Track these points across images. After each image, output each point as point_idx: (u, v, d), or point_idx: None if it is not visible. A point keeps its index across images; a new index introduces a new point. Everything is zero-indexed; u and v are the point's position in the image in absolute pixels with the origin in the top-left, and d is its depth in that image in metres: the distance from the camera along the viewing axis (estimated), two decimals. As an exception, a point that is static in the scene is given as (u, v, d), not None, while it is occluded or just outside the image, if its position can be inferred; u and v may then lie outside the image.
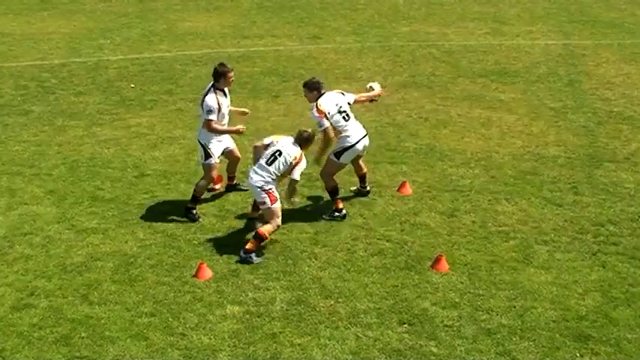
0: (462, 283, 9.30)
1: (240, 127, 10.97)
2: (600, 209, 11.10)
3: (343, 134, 10.75)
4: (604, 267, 9.64)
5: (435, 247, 10.06)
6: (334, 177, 10.95)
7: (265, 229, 9.81)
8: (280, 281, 9.32)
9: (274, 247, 10.05)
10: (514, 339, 8.29)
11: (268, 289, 9.16)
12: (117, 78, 17.23)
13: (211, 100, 10.57)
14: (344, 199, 11.27)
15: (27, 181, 12.00)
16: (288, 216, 10.69)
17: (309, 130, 10.26)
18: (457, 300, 8.96)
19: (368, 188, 11.47)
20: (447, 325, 8.51)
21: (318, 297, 9.02)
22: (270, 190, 9.84)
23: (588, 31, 21.37)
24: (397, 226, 10.62)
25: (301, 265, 9.68)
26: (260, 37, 20.76)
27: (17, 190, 11.71)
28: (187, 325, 8.51)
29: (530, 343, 8.23)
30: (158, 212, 11.01)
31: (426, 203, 11.28)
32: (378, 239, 10.29)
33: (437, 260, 9.61)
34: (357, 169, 11.35)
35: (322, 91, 10.87)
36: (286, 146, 9.98)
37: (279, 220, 9.88)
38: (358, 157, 11.16)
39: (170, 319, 8.61)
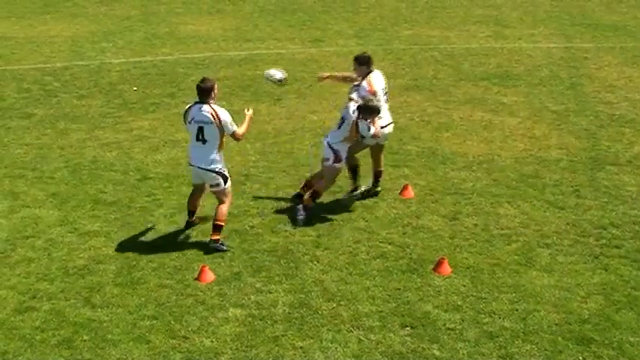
0: (465, 286, 9.30)
1: (249, 112, 10.38)
2: (602, 212, 11.09)
3: None
4: (606, 270, 9.63)
5: (437, 250, 10.06)
6: (356, 156, 11.35)
7: (320, 186, 10.85)
8: (282, 284, 9.32)
9: (276, 250, 10.05)
10: (516, 342, 8.28)
11: (270, 292, 9.16)
12: (119, 81, 17.26)
13: (224, 111, 9.81)
14: (344, 202, 11.28)
15: (29, 184, 12.02)
16: (290, 219, 10.72)
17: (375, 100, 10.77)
18: (459, 303, 8.95)
19: (379, 189, 11.49)
20: (449, 329, 8.50)
21: (320, 300, 9.02)
22: (337, 150, 10.65)
23: (590, 34, 21.38)
24: (399, 229, 10.62)
25: (303, 268, 9.68)
26: (262, 41, 20.79)
27: (19, 193, 11.72)
28: (189, 328, 8.50)
29: (533, 346, 8.22)
30: (160, 215, 11.01)
31: (428, 206, 11.28)
32: (380, 242, 10.29)
33: (439, 263, 9.60)
34: (376, 163, 11.43)
35: (371, 68, 11.10)
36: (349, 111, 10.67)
37: (333, 181, 10.94)
38: (380, 146, 11.31)
39: (172, 322, 8.61)
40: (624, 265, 9.72)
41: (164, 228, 10.66)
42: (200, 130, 9.79)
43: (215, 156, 9.88)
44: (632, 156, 13.07)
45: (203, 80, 9.92)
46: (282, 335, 8.38)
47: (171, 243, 10.27)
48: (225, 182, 10.07)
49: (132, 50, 19.83)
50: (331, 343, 8.25)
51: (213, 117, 9.71)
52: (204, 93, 9.81)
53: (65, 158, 13.02)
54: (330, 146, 10.72)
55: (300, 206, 10.81)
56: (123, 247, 10.18)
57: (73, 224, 10.76)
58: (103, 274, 9.55)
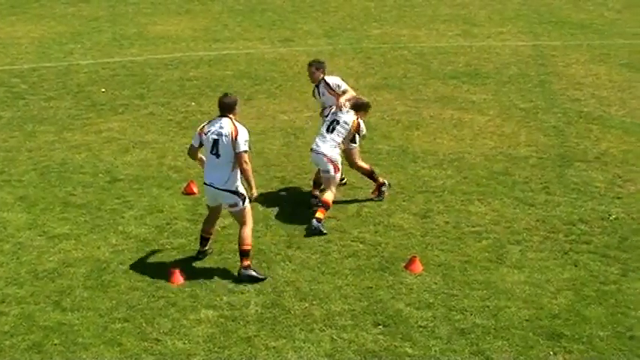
0: (436, 283, 9.34)
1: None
2: (571, 208, 11.20)
3: None
4: (576, 266, 9.73)
5: (408, 248, 10.10)
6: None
7: (327, 197, 10.66)
8: (254, 284, 9.29)
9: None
10: (488, 338, 8.34)
11: (242, 293, 9.14)
12: (88, 82, 17.11)
13: (244, 130, 9.24)
14: (315, 201, 11.30)
15: (-3, 188, 11.88)
16: (261, 219, 10.70)
17: (364, 98, 11.43)
18: (431, 300, 8.99)
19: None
20: (421, 326, 8.54)
21: (293, 300, 9.02)
22: (335, 161, 10.68)
23: (558, 32, 21.57)
24: (371, 228, 10.65)
25: (275, 268, 9.66)
26: (231, 41, 20.71)
27: (-13, 196, 11.59)
28: (161, 330, 8.46)
29: (504, 342, 8.28)
30: (131, 217, 10.94)
31: (399, 205, 11.32)
32: (352, 241, 10.30)
33: (411, 261, 9.64)
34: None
35: None
36: (342, 114, 10.93)
37: (335, 190, 10.86)
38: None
39: (144, 324, 8.56)
40: (593, 261, 9.82)
41: (134, 230, 10.59)
42: (215, 143, 9.21)
43: (230, 174, 9.26)
44: (600, 152, 13.20)
45: (225, 95, 9.44)
46: (255, 336, 8.37)
47: (141, 245, 10.20)
48: (244, 202, 9.36)
49: (100, 51, 19.66)
50: (304, 343, 8.25)
51: (232, 132, 9.16)
52: (225, 108, 9.33)
53: (33, 161, 12.89)
54: (325, 157, 10.71)
55: (318, 224, 10.39)
56: (93, 249, 10.09)
57: (42, 227, 10.66)
58: (73, 277, 9.47)
